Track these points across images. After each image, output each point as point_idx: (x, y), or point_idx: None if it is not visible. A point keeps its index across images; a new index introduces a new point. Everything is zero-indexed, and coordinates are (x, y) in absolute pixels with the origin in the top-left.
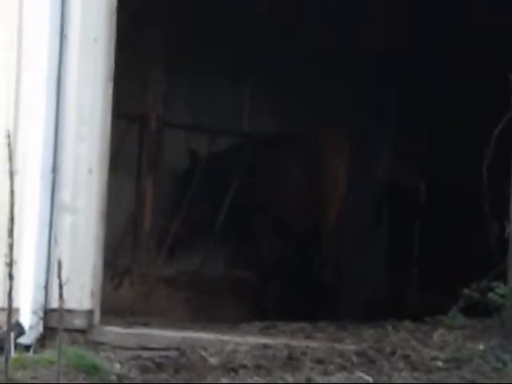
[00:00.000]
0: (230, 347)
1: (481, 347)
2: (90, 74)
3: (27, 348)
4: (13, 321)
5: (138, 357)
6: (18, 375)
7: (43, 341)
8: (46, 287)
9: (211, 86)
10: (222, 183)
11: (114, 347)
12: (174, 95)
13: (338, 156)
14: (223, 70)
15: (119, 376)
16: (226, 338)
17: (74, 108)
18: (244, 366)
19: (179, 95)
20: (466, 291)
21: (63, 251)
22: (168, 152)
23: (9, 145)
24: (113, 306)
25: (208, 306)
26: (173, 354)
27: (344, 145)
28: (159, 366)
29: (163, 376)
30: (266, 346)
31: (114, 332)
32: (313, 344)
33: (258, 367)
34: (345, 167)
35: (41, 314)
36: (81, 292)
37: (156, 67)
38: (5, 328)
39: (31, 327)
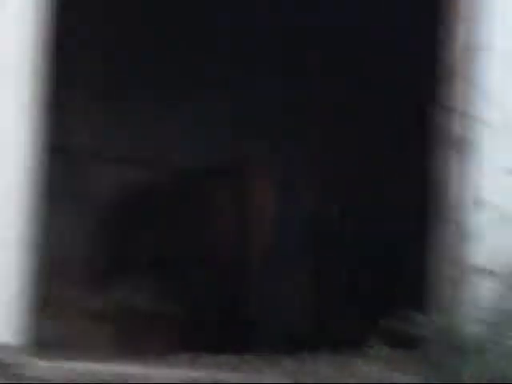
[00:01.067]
0: (157, 380)
1: (406, 379)
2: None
3: None
4: None
5: None
6: None
7: None
8: None
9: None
10: (150, 216)
11: (42, 381)
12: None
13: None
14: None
15: None
16: (152, 371)
17: None
18: None
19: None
20: (383, 322)
21: None
22: (96, 184)
23: None
24: (38, 340)
25: (133, 339)
26: None
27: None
28: None
29: None
30: (193, 379)
31: (42, 366)
32: (240, 376)
33: None
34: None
35: None
36: (6, 326)
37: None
38: None
39: None
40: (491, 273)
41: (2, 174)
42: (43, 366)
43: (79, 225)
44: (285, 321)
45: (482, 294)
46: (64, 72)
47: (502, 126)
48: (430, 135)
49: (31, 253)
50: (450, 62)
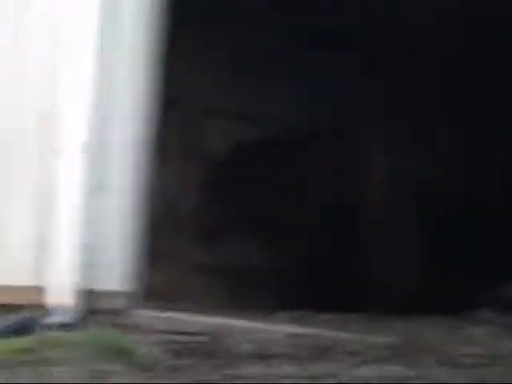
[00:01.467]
0: (262, 335)
1: None
2: (138, 58)
3: (65, 327)
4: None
5: (171, 341)
6: (49, 354)
7: (80, 321)
8: (84, 268)
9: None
10: (263, 174)
11: (148, 330)
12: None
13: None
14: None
15: (151, 359)
16: (258, 325)
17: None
18: (276, 355)
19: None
20: (501, 288)
21: (102, 233)
22: (210, 138)
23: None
24: (149, 290)
25: (242, 293)
26: (205, 339)
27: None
28: (191, 351)
29: (195, 361)
30: (298, 336)
31: (149, 315)
32: (345, 335)
33: (290, 356)
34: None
35: (79, 294)
36: (118, 274)
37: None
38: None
39: (67, 308)
40: None
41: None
42: (152, 316)
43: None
44: (396, 282)
45: None
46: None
47: None
48: None
49: (144, 202)
50: None
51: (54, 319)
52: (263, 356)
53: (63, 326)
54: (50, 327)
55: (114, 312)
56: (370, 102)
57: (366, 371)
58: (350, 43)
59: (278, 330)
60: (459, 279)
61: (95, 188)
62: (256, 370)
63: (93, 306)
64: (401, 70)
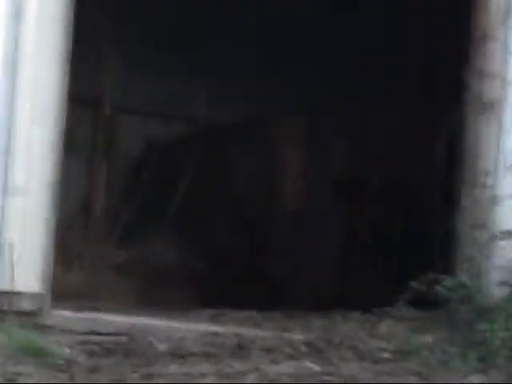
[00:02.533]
0: (178, 334)
1: (428, 339)
2: (46, 55)
3: None
4: None
5: (87, 341)
6: None
7: None
8: None
9: (168, 73)
10: (177, 172)
11: (63, 331)
12: (130, 80)
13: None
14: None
15: (67, 360)
16: (175, 324)
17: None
18: (192, 353)
19: (135, 80)
20: (413, 283)
21: (14, 233)
22: (122, 137)
23: None
24: (62, 290)
25: (158, 292)
26: (122, 339)
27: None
28: (108, 351)
29: (111, 361)
30: (215, 334)
31: (64, 316)
32: (262, 333)
33: (207, 354)
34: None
35: None
36: (31, 275)
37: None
38: None
39: None
40: None
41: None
42: (67, 316)
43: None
44: (311, 279)
45: (510, 257)
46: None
47: None
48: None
49: (54, 202)
50: (484, 25)
51: None
52: (181, 355)
53: None
54: None
55: (29, 313)
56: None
57: (282, 368)
58: None
59: (196, 328)
60: (376, 276)
61: (1, 188)
62: (173, 368)
63: (7, 308)
64: None
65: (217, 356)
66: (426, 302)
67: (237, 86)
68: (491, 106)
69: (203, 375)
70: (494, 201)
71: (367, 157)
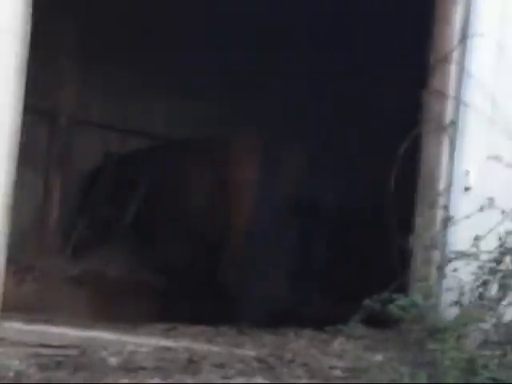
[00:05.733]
0: (130, 348)
1: (379, 358)
2: (1, 67)
3: None
4: None
5: (38, 354)
6: None
7: None
8: None
9: (126, 86)
10: (131, 185)
11: (14, 343)
12: (88, 92)
13: (248, 161)
14: (138, 70)
15: (17, 373)
16: (126, 338)
17: None
18: (144, 368)
19: (93, 92)
20: (366, 302)
21: None
22: (78, 150)
23: None
24: (14, 303)
25: (110, 306)
26: (73, 352)
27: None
28: (58, 365)
29: (62, 374)
30: (166, 349)
31: (14, 328)
32: (214, 348)
33: (158, 369)
34: (255, 172)
35: None
36: None
37: (70, 62)
38: None
39: None
40: (472, 257)
41: None
42: (17, 328)
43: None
44: (263, 296)
45: (464, 278)
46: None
47: (490, 113)
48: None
49: (6, 214)
50: (444, 49)
51: None
52: (132, 369)
53: None
54: None
55: None
56: (240, 114)
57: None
58: None
59: (148, 342)
60: (329, 293)
61: None
62: (124, 382)
63: None
64: None
65: (168, 370)
66: (378, 321)
67: (195, 103)
68: (446, 128)
69: None
70: (448, 222)
71: (324, 179)
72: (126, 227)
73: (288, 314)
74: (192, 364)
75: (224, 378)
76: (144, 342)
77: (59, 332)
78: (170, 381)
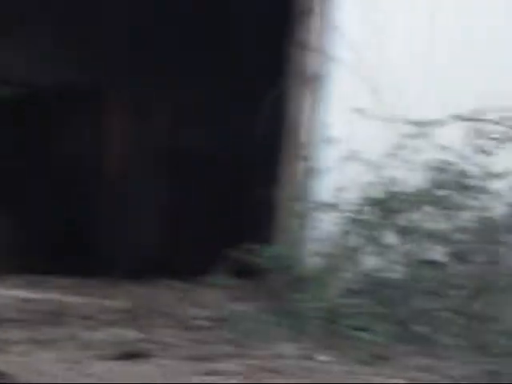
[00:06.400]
0: None
1: (244, 308)
2: None
3: None
4: None
5: None
6: None
7: None
8: None
9: None
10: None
11: None
12: None
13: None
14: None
15: None
16: None
17: None
18: (7, 320)
19: None
20: (231, 253)
21: None
22: None
23: None
24: None
25: None
26: None
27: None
28: None
29: None
30: (31, 300)
31: None
32: (81, 300)
33: (21, 321)
34: (125, 121)
35: None
36: None
37: None
38: None
39: None
40: (335, 208)
41: None
42: None
43: None
44: (133, 247)
45: (326, 228)
46: None
47: (355, 66)
48: (284, 72)
49: None
50: (308, 1)
51: None
52: None
53: None
54: None
55: None
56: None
57: (97, 335)
58: None
59: (11, 294)
60: (195, 243)
61: None
62: None
63: None
64: None
65: (33, 322)
66: (245, 271)
67: (61, 52)
68: (311, 80)
69: (17, 342)
70: (310, 173)
71: (192, 129)
72: None
73: (160, 263)
74: (57, 316)
75: (88, 328)
76: (8, 294)
77: None
78: (33, 333)
